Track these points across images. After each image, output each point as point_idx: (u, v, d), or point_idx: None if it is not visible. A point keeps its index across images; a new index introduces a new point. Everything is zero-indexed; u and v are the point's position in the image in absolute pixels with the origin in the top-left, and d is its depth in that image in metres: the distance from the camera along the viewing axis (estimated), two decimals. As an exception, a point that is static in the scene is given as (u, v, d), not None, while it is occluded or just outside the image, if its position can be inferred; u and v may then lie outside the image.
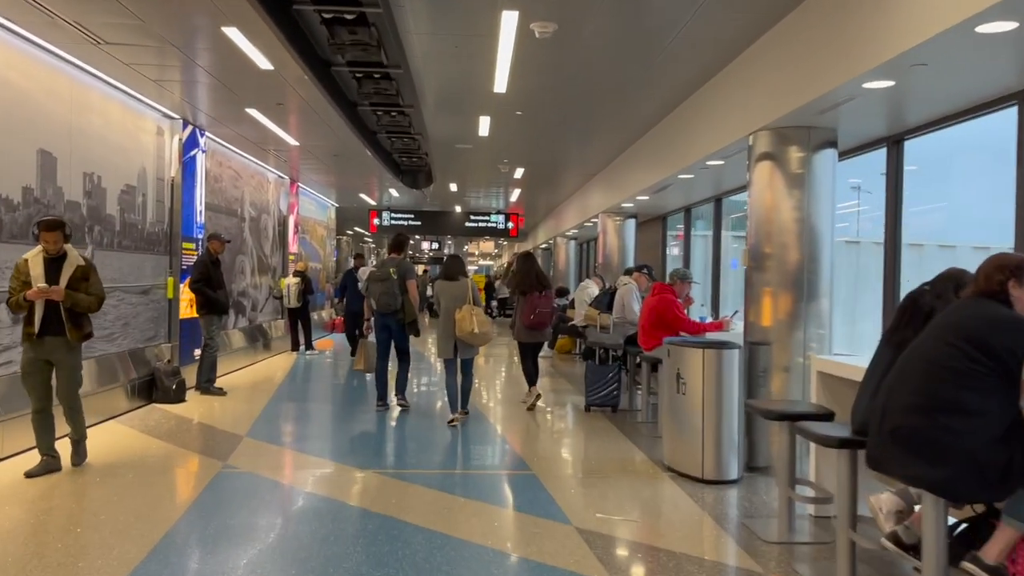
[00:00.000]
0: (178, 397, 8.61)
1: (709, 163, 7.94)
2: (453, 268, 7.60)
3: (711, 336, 6.79)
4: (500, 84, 7.72)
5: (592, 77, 7.62)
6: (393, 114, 9.05)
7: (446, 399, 7.95)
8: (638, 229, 13.67)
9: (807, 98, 5.25)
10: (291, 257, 15.25)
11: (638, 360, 8.18)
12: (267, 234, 14.00)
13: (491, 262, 53.63)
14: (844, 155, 6.56)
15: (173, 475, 5.79)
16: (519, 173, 14.07)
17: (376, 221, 20.35)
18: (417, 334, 8.06)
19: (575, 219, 17.22)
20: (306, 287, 14.01)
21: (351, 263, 16.70)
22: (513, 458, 6.44)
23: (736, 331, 6.95)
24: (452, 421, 7.45)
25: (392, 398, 8.38)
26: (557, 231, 20.61)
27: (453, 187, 16.54)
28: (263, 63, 6.81)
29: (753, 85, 6.33)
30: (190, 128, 9.68)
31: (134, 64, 7.09)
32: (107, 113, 7.85)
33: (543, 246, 27.40)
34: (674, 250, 13.89)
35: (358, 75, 7.64)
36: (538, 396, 8.41)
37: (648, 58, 6.85)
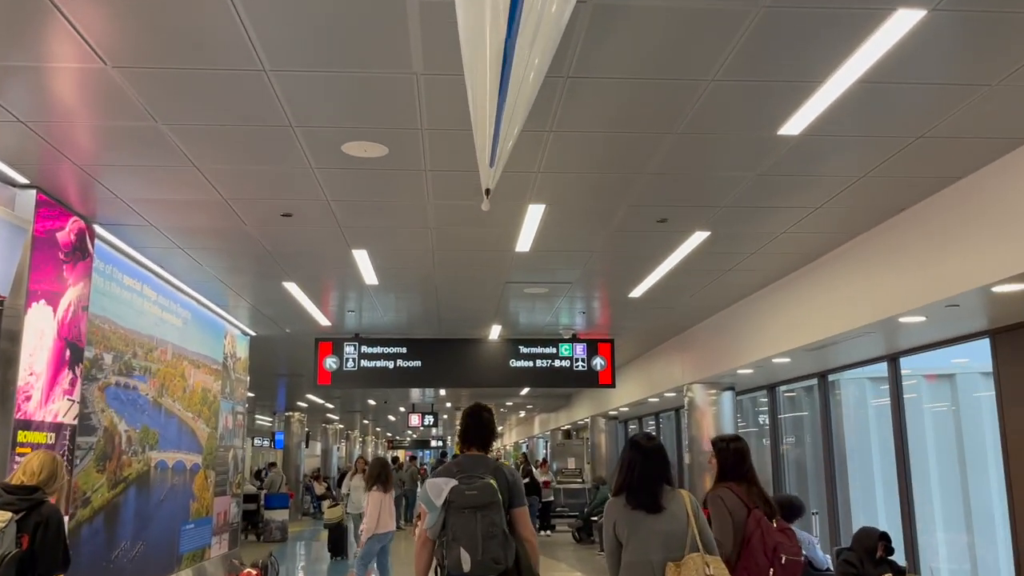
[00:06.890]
0: None
1: None
2: (657, 466, 3.30)
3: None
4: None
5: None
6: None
7: None
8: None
9: None
10: (21, 438, 4.77)
11: None
12: None
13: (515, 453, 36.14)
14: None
15: None
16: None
17: (330, 363, 9.53)
18: None
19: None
20: (41, 530, 3.49)
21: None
22: None
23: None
24: None
25: None
26: (699, 375, 9.74)
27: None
28: None
29: None
30: None
31: None
32: None
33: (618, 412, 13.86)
34: None
35: None
36: None
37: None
